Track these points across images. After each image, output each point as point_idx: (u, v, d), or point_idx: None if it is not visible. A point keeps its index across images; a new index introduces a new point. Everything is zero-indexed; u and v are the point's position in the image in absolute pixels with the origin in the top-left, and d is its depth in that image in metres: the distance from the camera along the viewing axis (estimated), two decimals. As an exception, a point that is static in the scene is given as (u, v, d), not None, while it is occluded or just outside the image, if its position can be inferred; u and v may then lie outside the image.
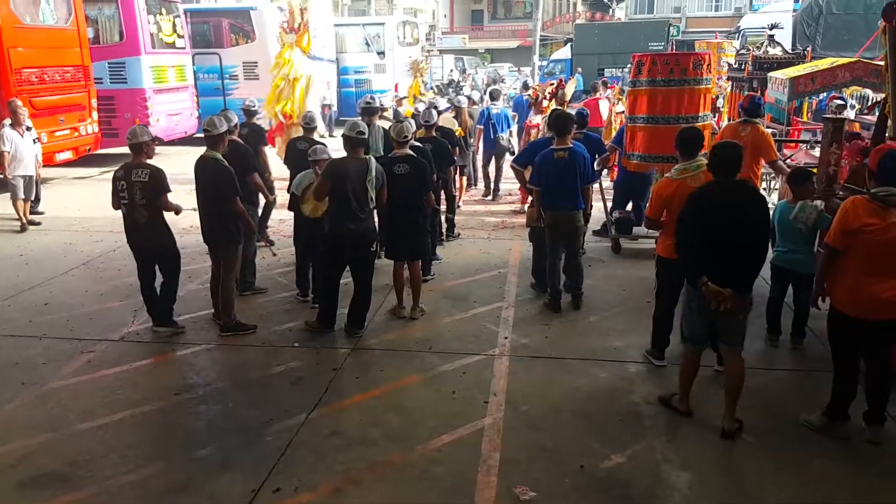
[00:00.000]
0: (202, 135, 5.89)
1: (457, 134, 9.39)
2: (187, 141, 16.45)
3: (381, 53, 23.03)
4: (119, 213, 5.90)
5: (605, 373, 5.13)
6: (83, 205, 11.01)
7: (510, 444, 4.19)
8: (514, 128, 11.46)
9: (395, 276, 6.29)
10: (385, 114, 9.53)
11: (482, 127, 10.93)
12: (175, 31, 16.15)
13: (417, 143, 6.85)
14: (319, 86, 19.27)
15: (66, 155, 13.00)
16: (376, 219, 6.14)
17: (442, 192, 8.01)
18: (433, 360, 5.36)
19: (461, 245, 8.54)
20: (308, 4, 12.02)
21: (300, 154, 6.88)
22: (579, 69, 26.13)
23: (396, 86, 21.44)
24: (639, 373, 5.13)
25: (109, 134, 14.48)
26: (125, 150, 6.20)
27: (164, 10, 15.74)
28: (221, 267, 5.85)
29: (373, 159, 5.68)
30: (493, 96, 11.96)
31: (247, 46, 18.41)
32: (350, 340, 5.73)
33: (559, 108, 9.01)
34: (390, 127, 6.71)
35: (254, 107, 8.82)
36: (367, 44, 23.27)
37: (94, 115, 13.74)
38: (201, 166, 5.75)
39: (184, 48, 16.61)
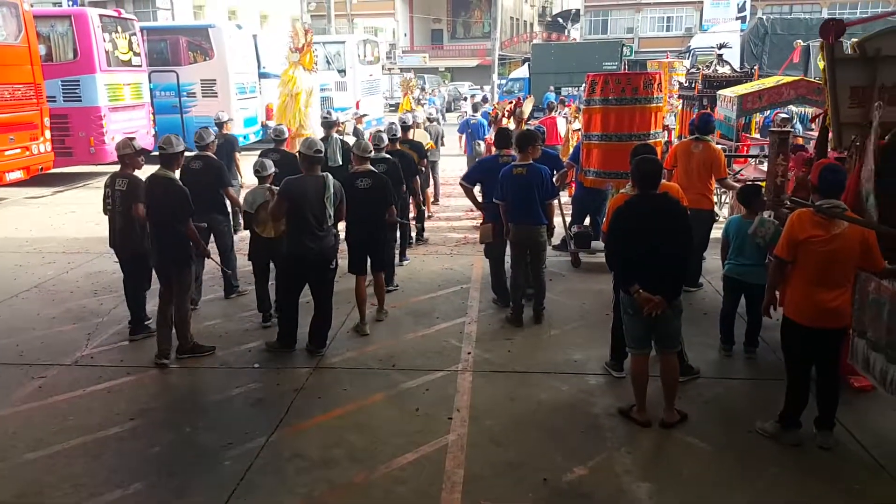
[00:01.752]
0: (157, 152, 5.79)
1: (427, 147, 9.68)
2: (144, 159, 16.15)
3: (341, 72, 23.03)
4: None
5: (567, 386, 5.18)
6: (35, 226, 10.75)
7: (474, 460, 4.19)
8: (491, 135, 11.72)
9: (358, 291, 6.29)
10: (339, 128, 10.03)
11: (463, 134, 12.16)
12: (131, 48, 15.94)
13: (386, 155, 7.33)
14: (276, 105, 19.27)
15: (17, 175, 12.68)
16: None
17: (410, 201, 8.36)
18: (396, 377, 5.34)
19: (424, 261, 8.56)
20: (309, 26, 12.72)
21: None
22: (551, 87, 26.46)
23: (358, 103, 21.49)
24: (599, 385, 5.20)
25: (63, 153, 14.18)
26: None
27: (119, 28, 15.53)
28: (175, 290, 5.68)
29: (330, 176, 5.68)
30: (475, 108, 13.09)
31: (205, 64, 18.26)
32: (312, 360, 5.68)
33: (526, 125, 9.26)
34: (354, 143, 6.84)
35: (224, 119, 9.71)
36: (328, 62, 23.26)
37: (47, 133, 13.44)
38: (155, 185, 5.58)
39: (140, 66, 16.40)
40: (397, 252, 8.02)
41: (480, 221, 7.19)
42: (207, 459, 4.25)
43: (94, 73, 14.55)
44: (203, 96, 18.06)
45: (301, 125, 11.36)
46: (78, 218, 11.27)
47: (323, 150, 5.73)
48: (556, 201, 6.36)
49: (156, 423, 4.72)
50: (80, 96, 14.61)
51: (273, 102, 19.39)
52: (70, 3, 23.90)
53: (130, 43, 15.89)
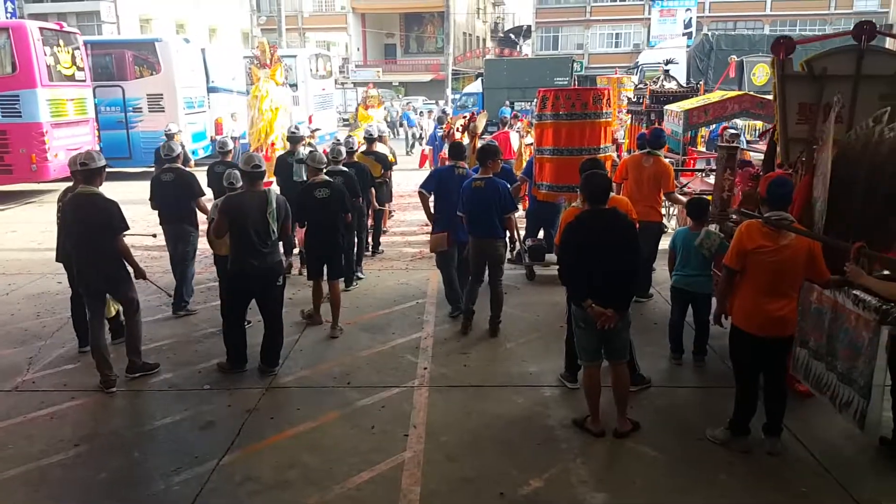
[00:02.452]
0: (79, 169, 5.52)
1: (389, 161, 9.88)
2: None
3: (293, 86, 22.85)
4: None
5: (522, 398, 5.20)
6: (-27, 246, 10.35)
7: (430, 477, 4.17)
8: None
9: (315, 292, 6.69)
10: (308, 142, 10.37)
11: (432, 147, 12.57)
12: (74, 63, 15.56)
13: (343, 168, 7.63)
14: (227, 118, 19.07)
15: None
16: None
17: (369, 211, 8.72)
18: (351, 395, 5.29)
19: (379, 276, 8.52)
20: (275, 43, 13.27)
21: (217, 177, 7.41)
22: (507, 102, 26.66)
23: (311, 118, 21.34)
24: (554, 397, 5.23)
25: (3, 171, 13.74)
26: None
27: (62, 42, 15.15)
28: (124, 308, 5.63)
29: (273, 191, 5.64)
30: (440, 122, 13.42)
31: (152, 78, 18.03)
32: (264, 379, 5.59)
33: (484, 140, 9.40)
34: (308, 155, 7.03)
35: (174, 131, 10.31)
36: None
37: (-15, 150, 13.02)
38: (83, 203, 5.30)
39: (84, 80, 16.02)
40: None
41: (430, 231, 7.25)
42: (156, 485, 4.13)
43: (35, 87, 14.14)
44: (150, 111, 17.81)
45: (280, 138, 11.68)
46: (19, 238, 10.91)
47: (262, 164, 5.63)
48: (514, 215, 6.38)
49: (102, 448, 4.57)
50: (20, 112, 14.17)
51: (222, 116, 19.32)
52: (8, 15, 23.25)
53: (73, 57, 15.52)
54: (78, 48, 15.82)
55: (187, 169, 7.50)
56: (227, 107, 20.15)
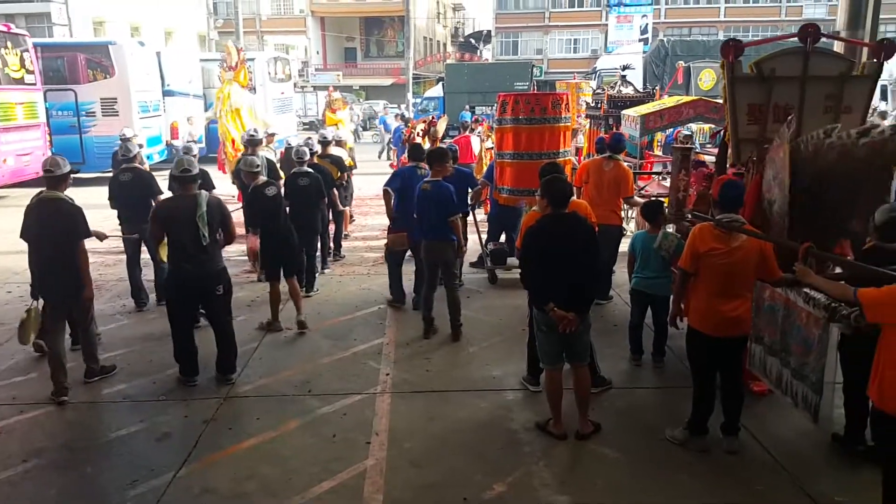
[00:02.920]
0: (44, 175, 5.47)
1: (347, 164, 10.11)
2: (41, 182, 15.32)
3: (251, 89, 22.56)
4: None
5: (485, 402, 5.20)
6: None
7: (393, 484, 4.13)
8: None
9: (273, 297, 6.69)
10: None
11: (396, 147, 12.83)
12: (23, 66, 15.16)
13: (309, 169, 7.82)
14: (185, 122, 18.75)
15: None
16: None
17: (329, 213, 8.82)
18: (312, 403, 5.22)
19: (341, 282, 8.45)
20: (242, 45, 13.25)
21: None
22: (467, 106, 26.70)
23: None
24: (516, 400, 5.24)
25: (-52, 177, 13.28)
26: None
27: (9, 44, 14.75)
28: (78, 315, 5.54)
29: (204, 194, 5.46)
30: (406, 122, 14.02)
31: (105, 82, 17.65)
32: (221, 389, 5.48)
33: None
34: (242, 160, 7.14)
35: (129, 135, 9.96)
36: (237, 80, 22.76)
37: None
38: (47, 208, 5.26)
39: (34, 84, 15.61)
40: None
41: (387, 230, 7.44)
42: (111, 500, 4.03)
43: (-19, 91, 13.74)
44: (103, 115, 17.46)
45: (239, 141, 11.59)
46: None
47: (192, 168, 5.53)
48: (458, 219, 6.39)
49: (53, 464, 4.43)
50: (-34, 116, 13.76)
51: (178, 120, 18.99)
52: (-46, 17, 22.52)
53: (22, 60, 15.12)
54: (27, 50, 15.42)
55: (145, 168, 7.54)
56: (184, 110, 19.82)
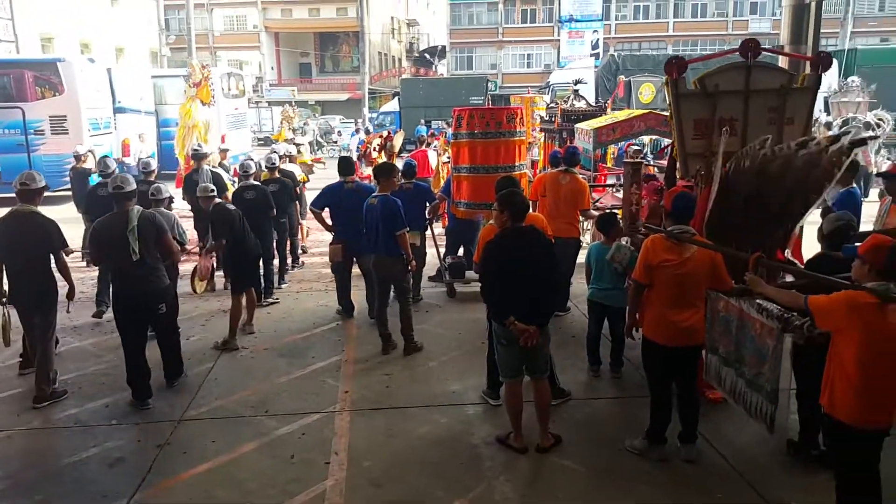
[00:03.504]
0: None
1: (300, 179, 10.21)
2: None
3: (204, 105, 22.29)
4: None
5: (446, 418, 5.17)
6: None
7: (353, 504, 4.07)
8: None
9: (236, 310, 6.78)
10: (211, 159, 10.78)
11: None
12: (-33, 83, 14.73)
13: (255, 183, 8.07)
14: (137, 139, 18.42)
15: None
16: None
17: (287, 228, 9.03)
18: (270, 423, 5.12)
19: (297, 299, 8.35)
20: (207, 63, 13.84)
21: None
22: (422, 120, 26.74)
23: (223, 137, 20.82)
24: (477, 414, 5.23)
25: None
26: None
27: (-47, 62, 14.32)
28: (41, 330, 5.52)
29: (136, 210, 5.40)
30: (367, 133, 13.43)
31: (55, 99, 17.23)
32: (175, 412, 5.34)
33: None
34: (199, 187, 7.56)
35: (81, 152, 10.70)
36: (189, 96, 22.48)
37: None
38: (21, 222, 5.40)
39: (-22, 102, 15.17)
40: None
41: (331, 243, 7.54)
42: (59, 531, 3.87)
43: (-82, 109, 13.29)
44: (52, 133, 17.01)
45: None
46: None
47: (125, 185, 5.49)
48: (405, 233, 6.35)
49: (0, 494, 4.26)
50: None
51: (129, 138, 18.68)
52: None
53: (-34, 77, 14.68)
54: (-31, 68, 14.98)
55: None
56: (135, 128, 19.47)
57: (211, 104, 13.36)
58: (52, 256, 5.55)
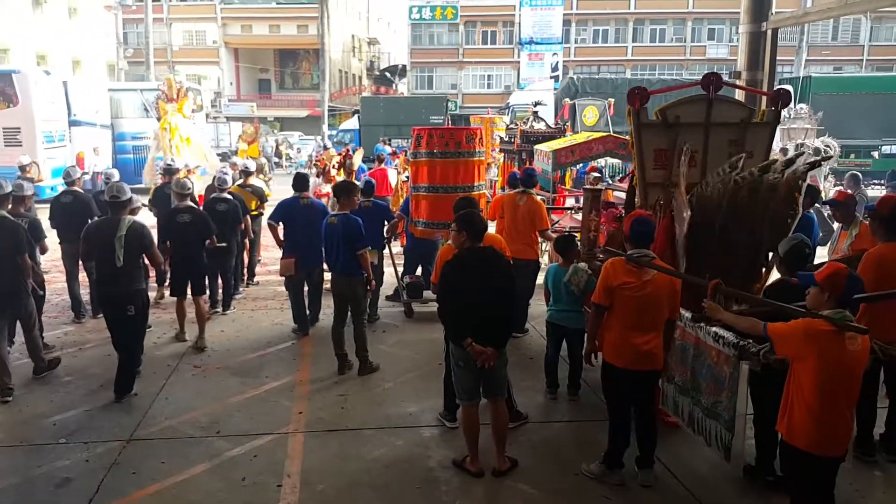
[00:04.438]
0: None
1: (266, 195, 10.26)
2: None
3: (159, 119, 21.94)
4: None
5: (402, 440, 5.12)
6: None
7: (305, 528, 3.99)
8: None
9: (178, 309, 7.20)
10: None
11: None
12: (-80, 93, 14.36)
13: (228, 196, 8.27)
14: (89, 152, 18.05)
15: None
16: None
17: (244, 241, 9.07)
18: (221, 444, 5.00)
19: (252, 317, 8.21)
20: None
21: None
22: (382, 139, 26.71)
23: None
24: (433, 437, 5.19)
25: None
26: None
27: None
28: (22, 322, 6.05)
29: (128, 220, 5.82)
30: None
31: (8, 111, 17.08)
32: (125, 431, 5.18)
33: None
34: (174, 182, 7.76)
35: (26, 163, 10.92)
36: (146, 109, 22.11)
37: None
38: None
39: (-69, 112, 14.79)
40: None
41: (281, 257, 7.63)
42: (-5, 559, 3.70)
43: None
44: (6, 145, 16.83)
45: (188, 168, 11.80)
46: None
47: (121, 194, 5.89)
48: (367, 252, 6.35)
49: (-71, 521, 4.06)
50: None
51: (84, 151, 18.36)
52: None
53: (-84, 88, 14.31)
54: (-80, 78, 14.62)
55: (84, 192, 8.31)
56: (90, 140, 19.14)
57: (191, 118, 13.77)
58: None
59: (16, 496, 4.32)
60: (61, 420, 5.37)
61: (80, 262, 7.54)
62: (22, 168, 10.78)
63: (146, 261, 6.20)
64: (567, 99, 24.65)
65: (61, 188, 17.16)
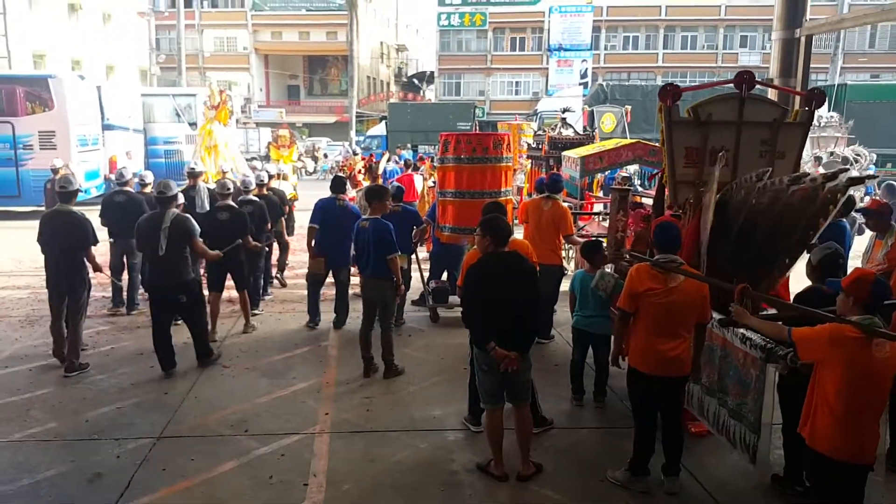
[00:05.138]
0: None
1: (291, 197, 10.66)
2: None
3: (192, 124, 22.30)
4: None
5: (426, 443, 5.15)
6: None
7: (331, 528, 4.03)
8: None
9: (212, 304, 7.46)
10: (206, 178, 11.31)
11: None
12: (-40, 98, 14.78)
13: (253, 198, 8.48)
14: (122, 156, 18.42)
15: None
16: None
17: (275, 241, 9.51)
18: (249, 443, 5.07)
19: (280, 319, 8.31)
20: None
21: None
22: (408, 145, 26.79)
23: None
24: (457, 440, 5.20)
25: None
26: None
27: (-54, 76, 14.36)
28: (72, 311, 6.43)
29: (172, 212, 6.40)
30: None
31: (44, 115, 17.38)
32: (155, 429, 5.28)
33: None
34: (217, 183, 8.14)
35: (58, 166, 11.18)
36: (178, 114, 22.51)
37: None
38: (56, 219, 6.42)
39: (-29, 116, 15.21)
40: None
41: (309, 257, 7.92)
42: (30, 550, 3.79)
43: None
44: (41, 148, 17.14)
45: (223, 171, 12.13)
46: None
47: (167, 190, 6.48)
48: (396, 257, 6.37)
49: (-32, 511, 4.18)
50: None
51: (116, 154, 18.81)
52: None
53: (-40, 92, 14.74)
54: (-35, 83, 15.05)
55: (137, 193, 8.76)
56: (123, 145, 19.52)
57: (229, 125, 14.15)
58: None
59: (49, 489, 4.42)
60: (93, 416, 5.48)
61: (125, 259, 8.35)
62: (55, 171, 11.06)
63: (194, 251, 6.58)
64: (586, 106, 24.67)
65: (95, 191, 17.85)
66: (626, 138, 13.81)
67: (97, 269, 6.70)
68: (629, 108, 23.56)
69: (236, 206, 7.79)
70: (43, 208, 14.25)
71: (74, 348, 6.41)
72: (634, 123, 25.81)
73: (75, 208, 6.51)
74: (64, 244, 6.36)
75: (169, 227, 6.24)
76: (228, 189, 7.80)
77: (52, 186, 10.71)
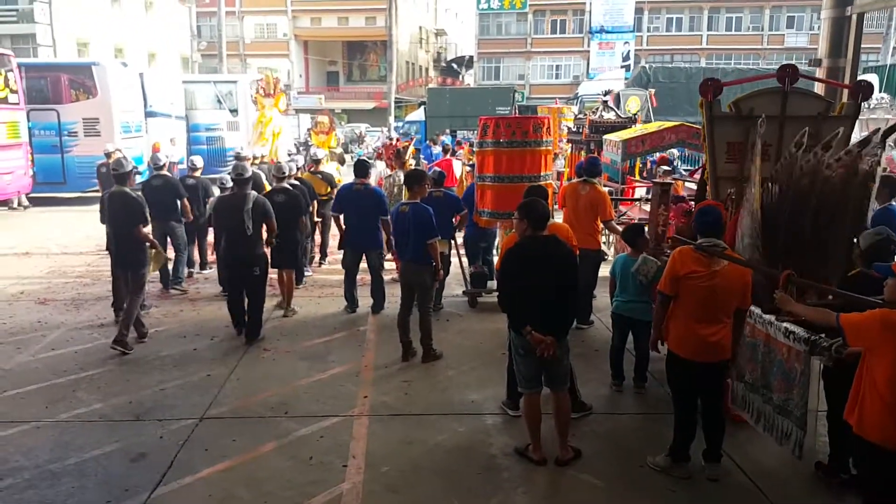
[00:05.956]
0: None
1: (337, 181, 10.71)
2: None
3: (233, 111, 22.61)
4: None
5: (464, 427, 5.15)
6: None
7: (369, 509, 4.06)
8: None
9: (286, 281, 7.95)
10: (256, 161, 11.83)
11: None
12: (7, 85, 15.17)
13: (287, 186, 8.35)
14: (165, 142, 18.77)
15: None
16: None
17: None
18: (289, 425, 5.14)
19: (319, 304, 8.39)
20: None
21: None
22: (447, 130, 26.72)
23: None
24: (495, 424, 5.19)
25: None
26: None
27: (-7, 64, 14.76)
28: (132, 288, 6.82)
29: (253, 194, 6.93)
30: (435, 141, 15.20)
31: (88, 102, 17.70)
32: (197, 410, 5.38)
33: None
34: (274, 167, 8.66)
35: (111, 150, 11.74)
36: (219, 101, 22.82)
37: None
38: (116, 199, 6.77)
39: (17, 104, 15.62)
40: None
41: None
42: (79, 524, 3.90)
43: (-37, 109, 13.70)
44: (85, 135, 17.46)
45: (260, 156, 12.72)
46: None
47: (244, 172, 7.05)
48: (436, 242, 6.37)
49: (26, 483, 4.32)
50: (-55, 134, 13.71)
51: (160, 141, 19.17)
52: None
53: (6, 80, 15.18)
54: (11, 70, 15.46)
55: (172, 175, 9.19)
56: (166, 131, 19.81)
57: (285, 112, 14.94)
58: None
59: (94, 468, 4.53)
60: (137, 398, 5.60)
61: (168, 240, 8.66)
62: (107, 155, 11.40)
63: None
64: (613, 88, 24.40)
65: (139, 177, 18.26)
66: (651, 122, 13.57)
67: (153, 245, 7.03)
68: (653, 91, 23.28)
69: (292, 189, 8.09)
70: (91, 193, 14.70)
71: (127, 322, 6.64)
72: (678, 106, 25.43)
73: (129, 189, 6.83)
74: (120, 223, 6.78)
75: (252, 209, 6.77)
76: (284, 172, 8.16)
77: (107, 170, 11.06)
